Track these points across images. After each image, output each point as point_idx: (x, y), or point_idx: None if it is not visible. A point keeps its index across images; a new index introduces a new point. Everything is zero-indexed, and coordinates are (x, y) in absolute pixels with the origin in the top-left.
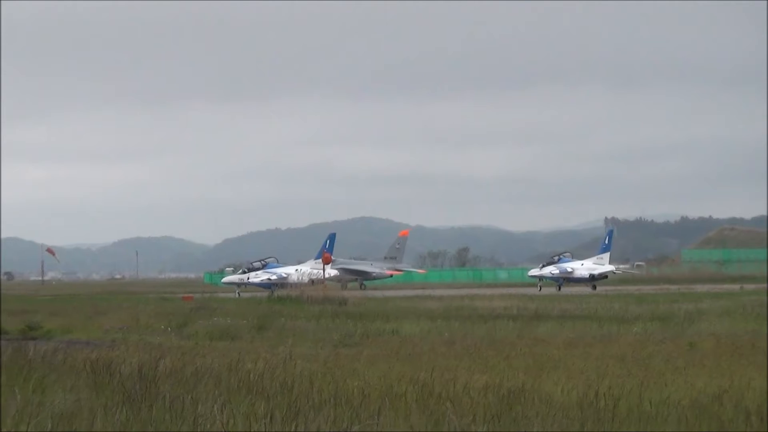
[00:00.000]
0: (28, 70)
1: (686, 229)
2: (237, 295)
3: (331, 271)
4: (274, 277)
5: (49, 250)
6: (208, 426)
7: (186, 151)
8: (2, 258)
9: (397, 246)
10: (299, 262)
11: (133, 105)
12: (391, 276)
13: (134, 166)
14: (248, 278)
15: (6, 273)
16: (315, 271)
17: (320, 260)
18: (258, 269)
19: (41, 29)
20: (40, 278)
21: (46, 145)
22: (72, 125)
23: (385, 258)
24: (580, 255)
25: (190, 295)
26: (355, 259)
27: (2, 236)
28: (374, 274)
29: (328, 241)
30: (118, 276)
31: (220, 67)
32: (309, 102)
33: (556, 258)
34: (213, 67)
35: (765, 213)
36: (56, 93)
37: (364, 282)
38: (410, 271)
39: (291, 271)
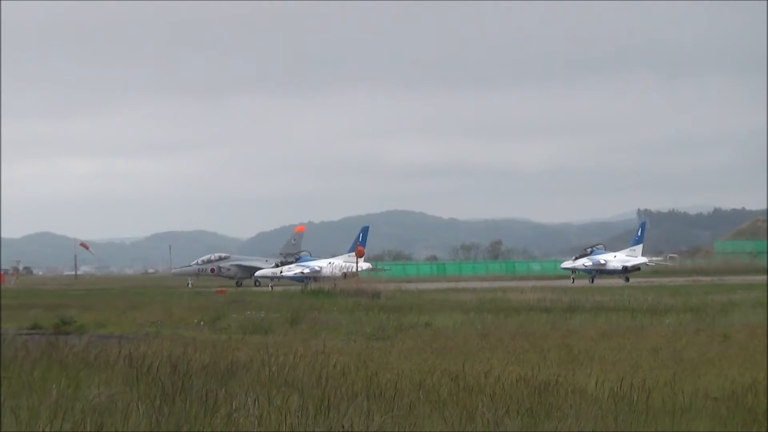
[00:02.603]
0: (72, 64)
1: (719, 220)
2: (270, 289)
3: (223, 265)
4: (307, 271)
5: (83, 244)
6: (242, 420)
7: (225, 145)
8: (35, 252)
9: (293, 242)
10: (332, 256)
11: (175, 98)
12: None
13: (171, 159)
14: (281, 272)
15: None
16: (348, 265)
17: (353, 253)
18: (291, 263)
19: (89, 23)
20: (74, 273)
21: (85, 138)
22: (112, 119)
23: (281, 254)
24: (613, 247)
25: (224, 289)
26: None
27: (34, 231)
28: None
29: (361, 235)
30: (151, 270)
31: (265, 61)
32: (350, 95)
33: (589, 250)
34: (257, 61)
35: None
36: (99, 87)
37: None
38: None
39: (324, 265)
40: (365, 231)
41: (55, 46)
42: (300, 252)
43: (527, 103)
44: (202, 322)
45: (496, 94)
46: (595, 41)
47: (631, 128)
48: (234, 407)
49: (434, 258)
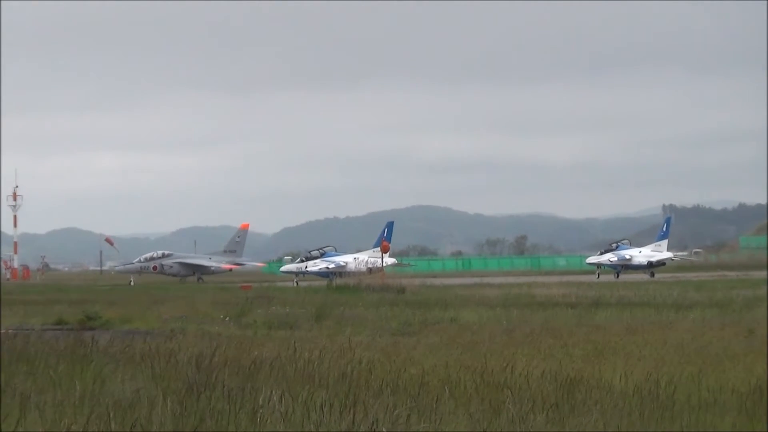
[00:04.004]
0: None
1: (744, 215)
2: (295, 284)
3: (166, 263)
4: (332, 266)
5: (108, 240)
6: (267, 416)
7: (253, 139)
8: (60, 248)
9: (237, 239)
10: (357, 251)
11: (207, 93)
12: (230, 270)
13: (199, 154)
14: (306, 267)
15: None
16: (373, 260)
17: (378, 249)
18: (316, 258)
19: (121, 19)
20: (99, 268)
21: (112, 134)
22: (141, 114)
23: (225, 251)
24: (638, 242)
25: (249, 284)
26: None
27: (60, 226)
28: (212, 268)
29: (386, 230)
30: None
31: (298, 57)
32: (381, 91)
33: (614, 245)
34: (290, 57)
35: None
36: (131, 82)
37: (202, 276)
38: (245, 264)
39: (349, 260)
40: (390, 226)
41: (89, 41)
42: (325, 248)
43: (555, 99)
44: (227, 318)
45: (525, 89)
46: (623, 36)
47: (657, 123)
48: (259, 403)
49: (459, 253)
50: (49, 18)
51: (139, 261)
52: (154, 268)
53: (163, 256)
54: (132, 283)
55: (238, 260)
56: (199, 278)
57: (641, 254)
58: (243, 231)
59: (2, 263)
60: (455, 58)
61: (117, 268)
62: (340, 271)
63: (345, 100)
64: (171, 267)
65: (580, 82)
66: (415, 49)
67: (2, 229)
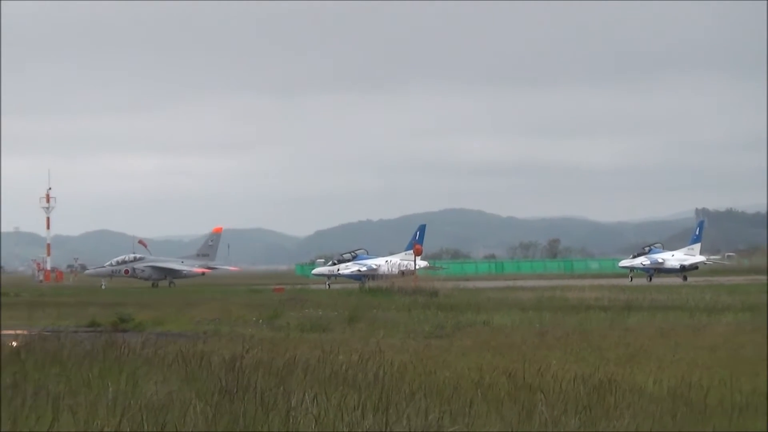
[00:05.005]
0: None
1: None
2: (327, 287)
3: (138, 266)
4: (363, 269)
5: (141, 242)
6: (300, 418)
7: (290, 142)
8: (93, 250)
9: (210, 243)
10: (390, 254)
11: (249, 95)
12: (203, 274)
13: (235, 156)
14: (338, 270)
15: (69, 266)
16: (405, 263)
17: (410, 251)
18: (348, 261)
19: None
20: None
21: (148, 135)
22: (179, 116)
23: (198, 255)
24: (671, 246)
25: (282, 286)
26: (166, 256)
27: (93, 228)
28: (184, 272)
29: (418, 233)
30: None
31: (340, 60)
32: (419, 94)
33: (647, 249)
34: (333, 59)
35: None
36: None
37: (174, 280)
38: (220, 268)
39: (381, 263)
40: (422, 229)
41: (128, 42)
42: (357, 251)
43: (589, 102)
44: (260, 320)
45: (559, 92)
46: (658, 39)
47: (690, 127)
48: (292, 405)
49: (492, 256)
50: (89, 19)
51: (111, 264)
52: (126, 271)
53: (135, 259)
54: (104, 287)
55: (211, 264)
56: (170, 282)
57: (674, 258)
58: (216, 235)
59: (35, 265)
60: (490, 61)
61: (87, 272)
62: (371, 274)
63: (380, 103)
64: (143, 270)
65: (615, 85)
66: (451, 53)
67: (35, 231)
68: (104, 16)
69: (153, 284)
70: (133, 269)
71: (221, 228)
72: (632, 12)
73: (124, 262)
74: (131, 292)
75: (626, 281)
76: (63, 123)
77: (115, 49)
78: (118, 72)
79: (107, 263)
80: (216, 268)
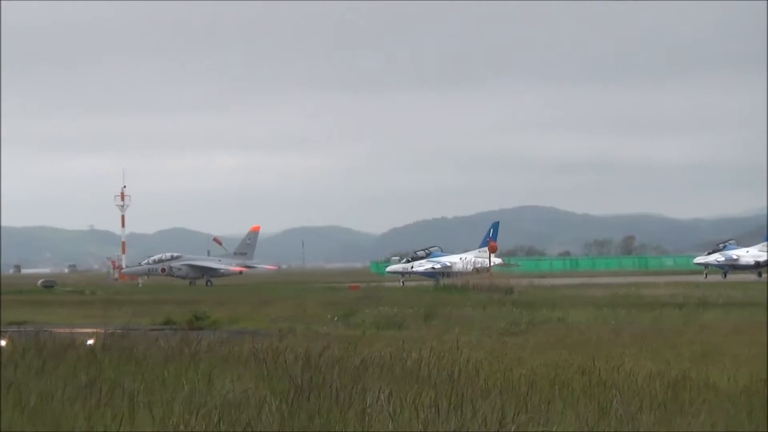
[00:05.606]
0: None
1: None
2: (401, 284)
3: (174, 265)
4: (437, 266)
5: (216, 240)
6: (375, 416)
7: (370, 140)
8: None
9: (248, 242)
10: (465, 251)
11: (332, 94)
12: (240, 273)
13: (313, 154)
14: (412, 267)
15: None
16: (479, 260)
17: (484, 249)
18: (422, 258)
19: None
20: None
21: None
22: (258, 113)
23: (235, 254)
24: (745, 242)
25: (357, 284)
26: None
27: (168, 226)
28: (221, 271)
29: (491, 230)
30: (284, 266)
31: (422, 58)
32: (496, 92)
33: (721, 245)
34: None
35: None
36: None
37: (211, 279)
38: (257, 267)
39: (455, 260)
40: (496, 226)
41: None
42: (431, 248)
43: (666, 99)
44: (335, 318)
45: (635, 90)
46: (735, 37)
47: (764, 123)
48: (367, 403)
49: (567, 253)
50: (166, 18)
51: (148, 263)
52: (163, 270)
53: (172, 258)
54: (140, 285)
55: (248, 263)
56: (208, 281)
57: (748, 254)
58: (253, 233)
59: (110, 263)
60: (567, 59)
61: (124, 270)
62: (446, 271)
63: (456, 101)
64: (180, 269)
65: (691, 83)
66: (529, 51)
67: (110, 230)
68: (181, 15)
69: (190, 283)
70: (170, 268)
71: (258, 227)
72: (711, 10)
73: (161, 260)
74: (205, 290)
75: (701, 278)
76: (139, 121)
77: (192, 48)
78: (195, 70)
79: (144, 262)
80: (253, 267)
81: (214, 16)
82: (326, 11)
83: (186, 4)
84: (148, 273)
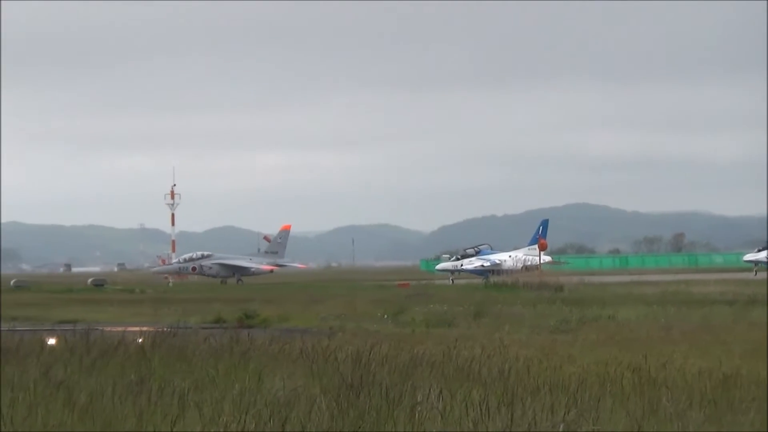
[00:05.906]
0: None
1: None
2: (450, 282)
3: (205, 263)
4: (487, 264)
5: (266, 238)
6: (425, 413)
7: (419, 138)
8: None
9: (279, 240)
10: (514, 249)
11: (380, 91)
12: (271, 271)
13: (361, 152)
14: (461, 265)
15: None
16: (528, 257)
17: (534, 246)
18: (471, 256)
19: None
20: None
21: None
22: (309, 112)
23: (266, 253)
24: None
25: (407, 282)
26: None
27: (218, 225)
28: (252, 270)
29: (540, 228)
30: (334, 264)
31: (469, 56)
32: (547, 89)
33: None
34: (460, 56)
35: None
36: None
37: (242, 277)
38: (286, 266)
39: (504, 258)
40: (545, 224)
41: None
42: (480, 246)
43: (716, 96)
44: (385, 316)
45: (686, 87)
46: None
47: None
48: (417, 401)
49: (617, 251)
50: (222, 17)
51: (178, 262)
52: (193, 269)
53: (203, 257)
54: (170, 284)
55: (279, 261)
56: (238, 280)
57: None
58: (285, 232)
59: (160, 262)
60: (617, 56)
61: (154, 269)
62: (495, 269)
63: (507, 99)
64: (210, 268)
65: (741, 79)
66: (578, 49)
67: (160, 228)
68: (231, 14)
69: (221, 281)
70: (201, 266)
71: (290, 225)
72: (754, 8)
73: (191, 259)
74: (255, 288)
75: (750, 275)
76: (189, 120)
77: (242, 47)
78: (245, 69)
79: (175, 260)
80: (284, 266)
81: (263, 16)
82: (376, 10)
83: (233, 4)
84: (179, 272)
